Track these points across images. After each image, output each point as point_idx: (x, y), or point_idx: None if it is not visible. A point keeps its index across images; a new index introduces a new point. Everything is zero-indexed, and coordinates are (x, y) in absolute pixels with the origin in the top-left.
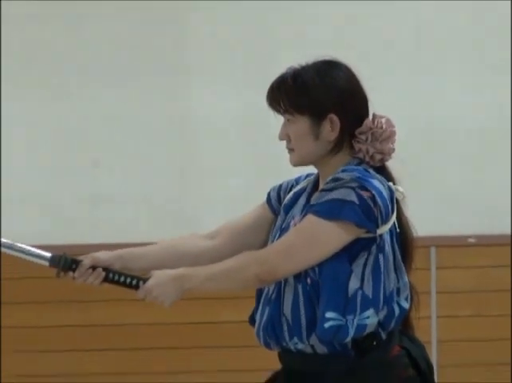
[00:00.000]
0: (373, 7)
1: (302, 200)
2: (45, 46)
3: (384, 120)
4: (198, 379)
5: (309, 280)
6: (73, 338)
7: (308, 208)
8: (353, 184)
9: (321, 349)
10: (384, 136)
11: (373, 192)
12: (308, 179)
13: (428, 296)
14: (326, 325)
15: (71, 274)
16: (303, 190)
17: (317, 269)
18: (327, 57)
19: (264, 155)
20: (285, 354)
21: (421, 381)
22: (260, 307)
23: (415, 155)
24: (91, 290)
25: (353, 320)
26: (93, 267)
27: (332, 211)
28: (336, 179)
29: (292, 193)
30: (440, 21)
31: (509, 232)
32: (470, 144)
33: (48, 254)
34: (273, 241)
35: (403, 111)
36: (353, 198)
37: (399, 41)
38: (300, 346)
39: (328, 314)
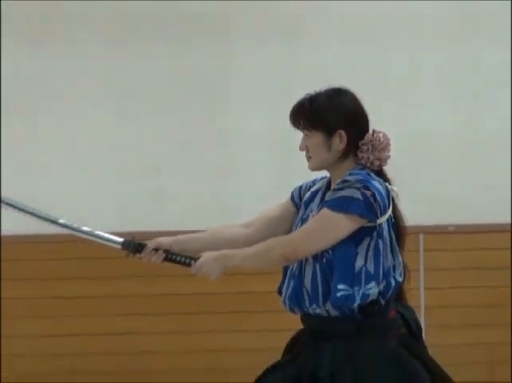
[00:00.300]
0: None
1: (318, 197)
2: (118, 72)
3: (381, 135)
4: (242, 337)
5: (324, 259)
6: (143, 305)
7: (323, 203)
8: (358, 185)
9: (334, 313)
10: (382, 146)
11: (374, 191)
12: (322, 180)
13: (417, 272)
14: (338, 294)
15: (138, 255)
16: (319, 189)
17: (330, 251)
18: (336, 85)
19: (287, 163)
20: (305, 317)
21: (412, 338)
22: (286, 281)
23: (407, 161)
24: (156, 267)
25: (359, 290)
26: (156, 249)
27: (342, 206)
28: (344, 181)
29: (310, 192)
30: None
31: (481, 222)
32: (449, 154)
33: (120, 239)
34: (295, 229)
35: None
36: (358, 196)
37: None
38: (317, 311)
39: (340, 286)
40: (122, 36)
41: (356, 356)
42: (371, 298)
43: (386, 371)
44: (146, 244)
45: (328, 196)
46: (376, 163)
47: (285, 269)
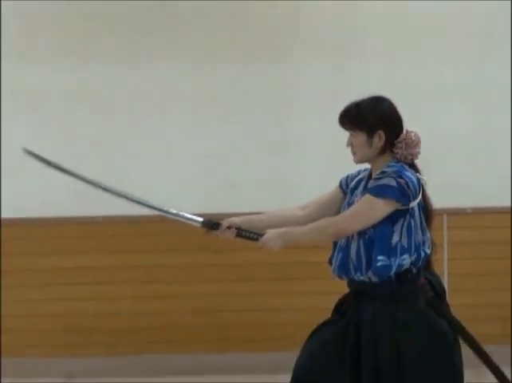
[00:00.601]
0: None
1: (362, 185)
2: (205, 84)
3: (413, 134)
4: (297, 299)
5: (366, 236)
6: (219, 273)
7: (365, 190)
8: (394, 175)
9: (374, 279)
10: (413, 144)
11: (406, 180)
12: (365, 171)
13: (442, 246)
14: (378, 264)
15: (214, 231)
16: (362, 178)
17: (371, 229)
18: (377, 94)
19: (337, 157)
20: (351, 283)
21: (438, 300)
22: (335, 254)
23: (434, 156)
24: (227, 241)
25: (395, 261)
26: (229, 227)
27: (380, 192)
28: (383, 172)
29: (355, 180)
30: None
31: (493, 205)
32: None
33: (200, 219)
34: (343, 211)
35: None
36: (394, 184)
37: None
38: (361, 278)
39: (379, 257)
40: (208, 55)
41: (392, 314)
42: (405, 267)
43: (417, 327)
44: (221, 223)
45: (369, 184)
46: (409, 157)
47: (335, 243)
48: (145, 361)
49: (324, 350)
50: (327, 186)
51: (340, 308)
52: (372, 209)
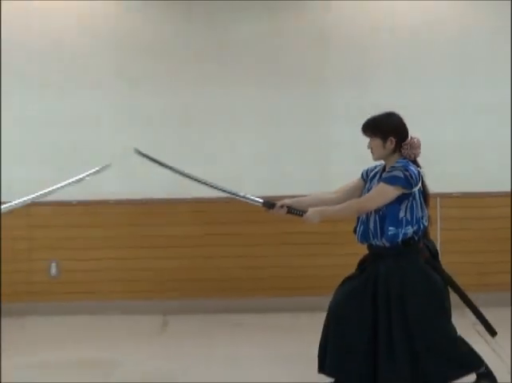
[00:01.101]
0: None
1: (378, 175)
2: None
3: (415, 139)
4: (333, 259)
5: (381, 213)
6: (269, 239)
7: (380, 179)
8: (401, 169)
9: (387, 244)
10: (415, 146)
11: (410, 172)
12: (380, 166)
13: (436, 221)
14: (389, 233)
15: (271, 210)
16: (378, 171)
17: (384, 207)
18: (390, 110)
19: (359, 157)
20: (370, 247)
21: (433, 259)
22: (358, 225)
23: (433, 156)
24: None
25: (401, 231)
26: (281, 206)
27: (392, 181)
28: (393, 167)
29: (373, 172)
30: None
31: (476, 190)
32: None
33: (261, 200)
34: (364, 195)
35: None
36: (401, 175)
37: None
38: (377, 243)
39: (390, 228)
40: (271, 80)
41: (403, 267)
42: (408, 235)
43: (417, 277)
44: (276, 203)
45: (384, 175)
46: (412, 156)
47: (358, 218)
48: (226, 303)
49: (351, 293)
50: (352, 177)
51: (362, 265)
52: (385, 193)
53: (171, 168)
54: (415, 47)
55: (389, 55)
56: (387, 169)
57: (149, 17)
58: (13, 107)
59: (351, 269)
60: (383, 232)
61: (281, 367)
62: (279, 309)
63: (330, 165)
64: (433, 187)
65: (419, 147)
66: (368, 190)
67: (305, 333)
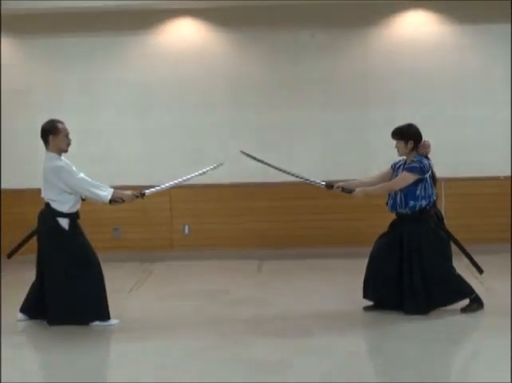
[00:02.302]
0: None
1: (401, 167)
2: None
3: (427, 141)
4: (372, 223)
5: (404, 191)
6: (313, 213)
7: (403, 169)
8: (417, 162)
9: (408, 212)
10: (426, 146)
11: (424, 164)
12: (402, 160)
13: (441, 197)
14: (410, 204)
15: (331, 189)
16: (401, 163)
17: (406, 188)
18: (409, 122)
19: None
20: (397, 214)
21: (440, 222)
22: (389, 199)
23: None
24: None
25: (418, 203)
26: (338, 187)
27: (411, 170)
28: (412, 160)
29: (398, 164)
30: None
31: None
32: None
33: (324, 183)
34: (393, 179)
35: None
36: (417, 166)
37: None
38: (402, 211)
39: (410, 202)
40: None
41: (419, 227)
42: (423, 206)
43: (431, 233)
44: (333, 184)
45: (405, 166)
46: (424, 153)
47: (389, 195)
48: (302, 251)
49: (385, 244)
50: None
51: (391, 225)
52: (407, 178)
53: (264, 162)
54: (427, 81)
55: (408, 86)
56: (407, 162)
57: (248, 58)
58: (155, 121)
59: (383, 229)
60: (406, 204)
61: (337, 294)
62: (337, 256)
63: (369, 160)
64: (439, 173)
65: (429, 147)
66: (395, 176)
67: (354, 273)
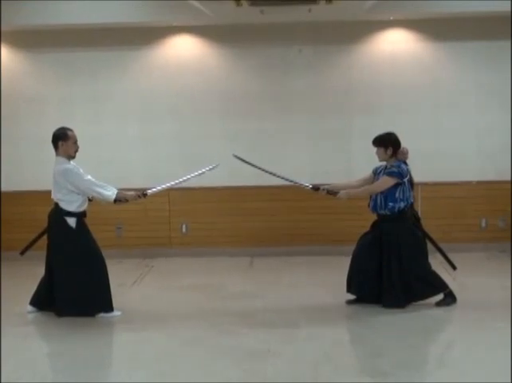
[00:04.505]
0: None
1: (382, 171)
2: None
3: (405, 148)
4: (356, 222)
5: (384, 194)
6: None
7: (384, 173)
8: (397, 167)
9: (388, 213)
10: (405, 152)
11: (402, 169)
12: (383, 165)
13: (418, 200)
14: (389, 206)
15: (316, 191)
16: (382, 168)
17: (386, 191)
18: (390, 131)
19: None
20: (378, 214)
21: (417, 222)
22: (370, 201)
23: (415, 159)
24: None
25: (397, 205)
26: (323, 189)
27: (391, 174)
28: (392, 166)
29: (379, 169)
30: None
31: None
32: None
33: (310, 185)
34: (374, 182)
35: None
36: (396, 171)
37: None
38: (382, 212)
39: (390, 203)
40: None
41: (398, 227)
42: (402, 208)
43: (409, 232)
44: (320, 187)
45: (386, 171)
46: (403, 159)
47: (370, 197)
48: (289, 249)
49: (366, 242)
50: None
51: (373, 225)
52: (387, 182)
53: (255, 166)
54: (405, 94)
55: (388, 98)
56: (387, 167)
57: (240, 71)
58: (155, 130)
59: (363, 228)
60: (386, 205)
61: (321, 289)
62: (322, 253)
63: (351, 166)
64: (416, 177)
65: (407, 153)
66: (377, 180)
67: (337, 269)
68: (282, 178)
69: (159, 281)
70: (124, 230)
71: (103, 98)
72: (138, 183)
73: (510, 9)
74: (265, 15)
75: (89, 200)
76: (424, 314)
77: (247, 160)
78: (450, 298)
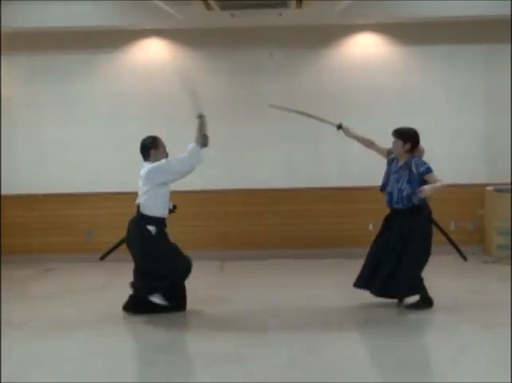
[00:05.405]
0: None
1: (394, 161)
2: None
3: (422, 146)
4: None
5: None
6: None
7: (425, 172)
8: (424, 162)
9: (403, 207)
10: (421, 151)
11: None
12: (392, 157)
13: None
14: (413, 199)
15: (340, 130)
16: (394, 158)
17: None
18: (411, 127)
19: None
20: (392, 207)
21: (430, 215)
22: (387, 196)
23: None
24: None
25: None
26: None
27: (431, 170)
28: (421, 163)
29: (391, 157)
30: None
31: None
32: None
33: (336, 123)
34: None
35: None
36: (428, 165)
37: None
38: (397, 206)
39: (413, 196)
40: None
41: (412, 220)
42: (423, 200)
43: (423, 225)
44: (342, 125)
45: (424, 170)
46: (418, 156)
47: (387, 191)
48: (258, 253)
49: (381, 235)
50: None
51: (387, 219)
52: (436, 179)
53: (293, 110)
54: (375, 97)
55: (359, 101)
56: (399, 162)
57: (211, 74)
58: (125, 133)
59: (331, 232)
60: (408, 199)
61: (292, 292)
62: (292, 257)
63: (321, 168)
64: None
65: (423, 151)
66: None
67: (307, 272)
68: (311, 116)
69: (128, 285)
70: (94, 234)
71: (73, 102)
72: (108, 188)
73: (480, 14)
74: (235, 19)
75: (170, 211)
76: (395, 317)
77: (285, 107)
78: (424, 303)
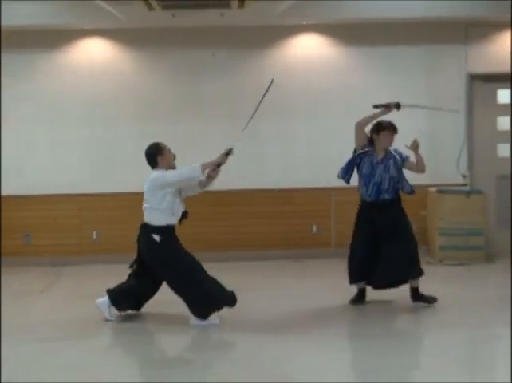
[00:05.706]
0: None
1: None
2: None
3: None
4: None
5: (398, 177)
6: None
7: (406, 158)
8: (398, 150)
9: (391, 196)
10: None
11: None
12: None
13: (331, 204)
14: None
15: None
16: (366, 152)
17: (401, 173)
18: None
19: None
20: (374, 199)
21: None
22: (373, 187)
23: None
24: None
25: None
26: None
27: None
28: (398, 152)
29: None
30: None
31: None
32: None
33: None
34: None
35: None
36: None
37: None
38: (385, 196)
39: (397, 185)
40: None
41: (394, 210)
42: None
43: (404, 215)
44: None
45: (406, 155)
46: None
47: (368, 184)
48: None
49: (363, 229)
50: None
51: (366, 216)
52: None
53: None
54: (318, 98)
55: (302, 102)
56: (381, 155)
57: (153, 74)
58: (65, 134)
59: (285, 234)
60: (395, 189)
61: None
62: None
63: (264, 169)
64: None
65: None
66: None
67: (258, 274)
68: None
69: (69, 288)
70: (33, 237)
71: (11, 102)
72: (48, 190)
73: (421, 15)
74: (177, 19)
75: (181, 221)
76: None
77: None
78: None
